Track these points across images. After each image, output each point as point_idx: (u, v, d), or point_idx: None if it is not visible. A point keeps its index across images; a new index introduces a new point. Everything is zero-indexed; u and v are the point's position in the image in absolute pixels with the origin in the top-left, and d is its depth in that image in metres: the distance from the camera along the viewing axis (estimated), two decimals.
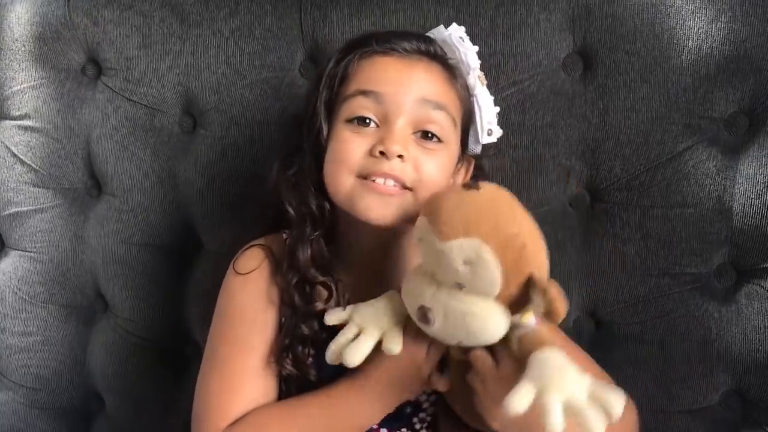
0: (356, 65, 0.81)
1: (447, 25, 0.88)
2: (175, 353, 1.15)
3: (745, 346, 0.95)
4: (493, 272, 0.64)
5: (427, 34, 0.88)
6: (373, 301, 0.77)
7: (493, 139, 0.89)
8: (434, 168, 0.79)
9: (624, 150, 0.97)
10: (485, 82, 0.88)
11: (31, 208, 1.19)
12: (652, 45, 0.95)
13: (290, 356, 0.82)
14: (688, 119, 0.95)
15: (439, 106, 0.80)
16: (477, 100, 0.87)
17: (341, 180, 0.79)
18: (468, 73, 0.85)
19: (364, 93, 0.79)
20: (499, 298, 0.67)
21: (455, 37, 0.85)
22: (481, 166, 0.92)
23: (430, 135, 0.80)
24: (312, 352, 0.83)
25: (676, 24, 0.95)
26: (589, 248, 1.00)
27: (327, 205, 0.83)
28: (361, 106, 0.79)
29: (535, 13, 0.98)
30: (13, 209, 1.20)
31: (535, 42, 0.98)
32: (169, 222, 1.14)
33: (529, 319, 0.68)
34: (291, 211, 0.83)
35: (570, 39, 0.99)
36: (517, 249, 0.65)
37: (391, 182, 0.77)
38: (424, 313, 0.69)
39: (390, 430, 0.85)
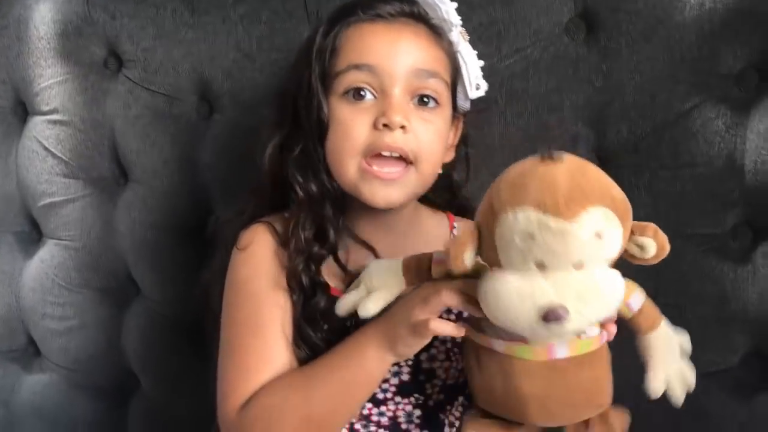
0: (344, 37, 0.82)
1: None
2: (202, 332, 1.19)
3: (762, 306, 0.93)
4: (619, 237, 0.62)
5: None
6: (386, 262, 0.77)
7: (482, 92, 0.89)
8: (433, 136, 0.81)
9: (630, 112, 0.96)
10: (467, 37, 0.87)
11: (63, 198, 1.25)
12: (653, 3, 0.93)
13: (302, 339, 0.81)
14: (695, 77, 0.93)
15: (433, 74, 0.81)
16: (462, 56, 0.86)
17: (345, 167, 0.80)
18: (451, 30, 0.85)
19: (358, 67, 0.79)
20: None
21: None
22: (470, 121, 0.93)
23: (426, 99, 0.81)
24: (325, 328, 0.82)
25: None
26: None
27: (333, 185, 0.83)
28: (356, 80, 0.80)
29: None
30: (47, 200, 1.26)
31: (536, 8, 0.98)
32: (191, 205, 1.18)
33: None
34: (299, 191, 0.83)
35: (571, 3, 0.98)
36: (626, 209, 0.63)
37: (392, 168, 0.79)
38: (555, 312, 0.59)
39: (404, 397, 0.85)
